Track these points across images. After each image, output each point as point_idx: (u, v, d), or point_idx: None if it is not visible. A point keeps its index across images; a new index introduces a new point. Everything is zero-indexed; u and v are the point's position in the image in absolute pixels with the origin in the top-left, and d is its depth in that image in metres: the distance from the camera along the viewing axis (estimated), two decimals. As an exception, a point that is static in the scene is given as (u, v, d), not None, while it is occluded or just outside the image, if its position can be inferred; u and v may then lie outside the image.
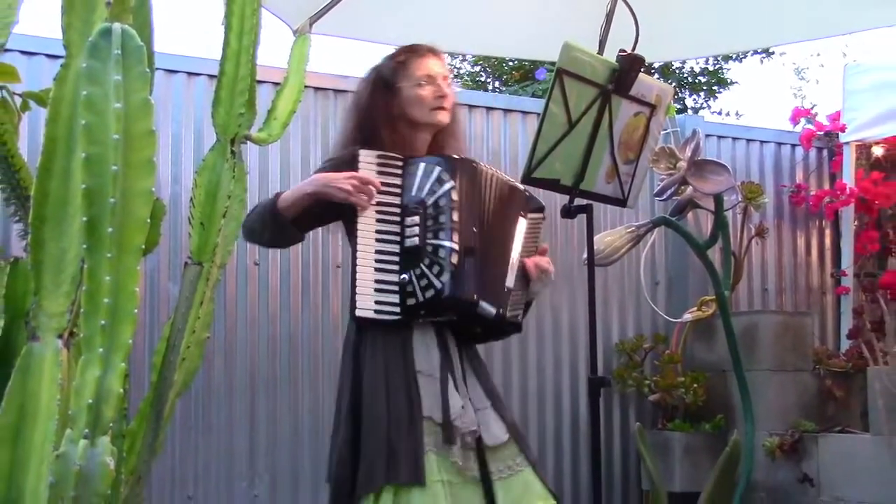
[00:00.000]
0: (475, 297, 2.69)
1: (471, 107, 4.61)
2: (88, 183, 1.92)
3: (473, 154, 3.04)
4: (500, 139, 4.65)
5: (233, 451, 3.93)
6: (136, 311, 1.94)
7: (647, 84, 2.97)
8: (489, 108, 4.68)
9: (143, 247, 1.98)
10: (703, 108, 11.70)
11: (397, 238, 2.70)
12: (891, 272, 4.93)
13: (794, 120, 5.30)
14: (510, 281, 2.82)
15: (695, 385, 4.51)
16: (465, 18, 4.11)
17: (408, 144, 2.84)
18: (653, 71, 8.86)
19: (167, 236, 3.76)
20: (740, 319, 4.54)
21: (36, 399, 2.04)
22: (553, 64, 2.84)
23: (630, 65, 2.87)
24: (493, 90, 10.04)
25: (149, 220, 1.98)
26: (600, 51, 3.62)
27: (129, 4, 2.23)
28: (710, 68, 11.64)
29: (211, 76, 3.61)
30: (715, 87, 11.76)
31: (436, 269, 2.65)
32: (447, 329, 2.76)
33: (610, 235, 4.18)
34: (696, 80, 11.61)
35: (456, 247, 2.66)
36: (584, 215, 2.89)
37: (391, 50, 2.91)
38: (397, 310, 2.66)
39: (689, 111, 10.96)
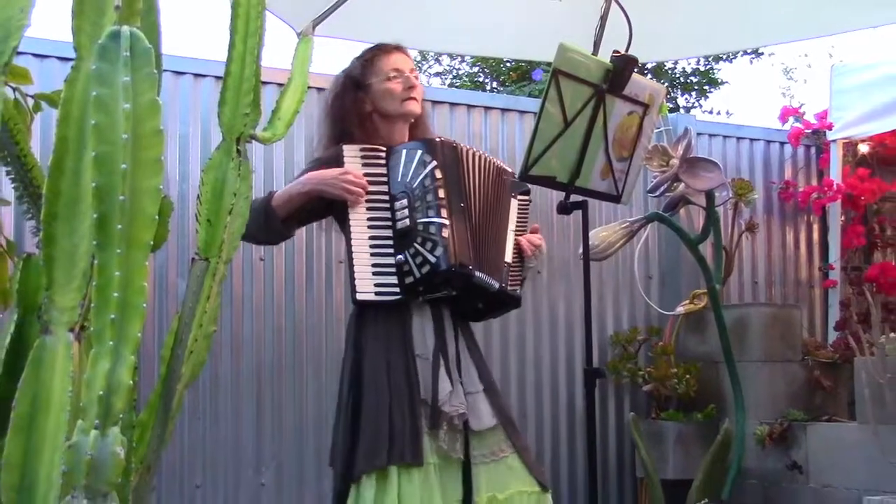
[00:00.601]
0: (470, 267, 2.70)
1: (469, 106, 4.61)
2: (98, 181, 1.92)
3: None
4: (498, 138, 4.65)
5: (239, 441, 3.93)
6: (144, 305, 1.94)
7: (640, 84, 2.97)
8: (487, 108, 4.68)
9: (152, 243, 1.98)
10: (695, 107, 11.71)
11: (389, 223, 2.71)
12: (876, 266, 4.94)
13: (783, 118, 5.30)
14: (508, 256, 2.85)
15: (687, 376, 4.51)
16: (464, 21, 4.11)
17: (383, 140, 2.85)
18: (646, 71, 8.85)
19: (176, 233, 3.77)
20: (731, 312, 4.54)
21: (48, 390, 2.03)
22: (549, 64, 2.84)
23: (624, 65, 2.87)
24: (492, 90, 10.04)
25: (157, 217, 1.97)
26: (595, 52, 3.63)
27: (137, 8, 2.22)
28: (702, 69, 11.64)
29: (217, 77, 3.61)
30: (706, 87, 11.76)
31: (429, 245, 2.65)
32: (446, 311, 2.76)
33: (605, 231, 4.18)
34: (688, 80, 11.61)
35: (446, 221, 2.67)
36: (580, 211, 2.89)
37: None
38: (397, 289, 2.67)
39: (681, 110, 10.96)
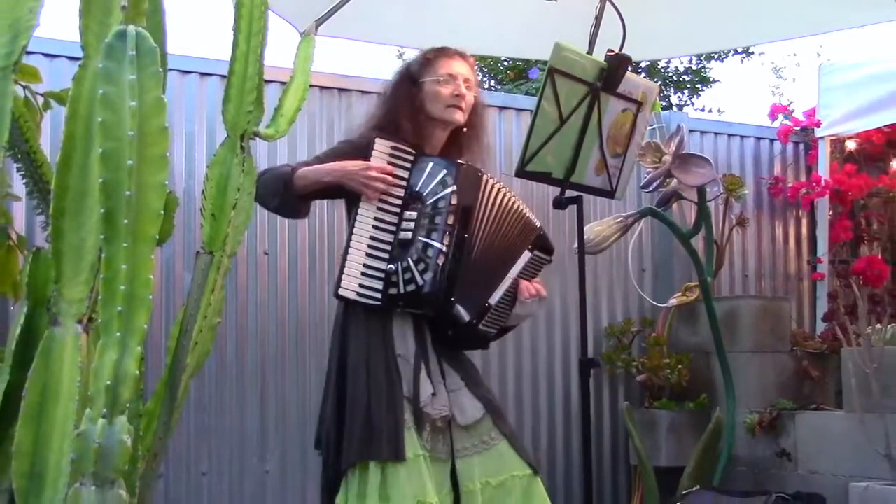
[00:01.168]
0: (452, 299, 2.68)
1: (468, 104, 4.59)
2: (105, 177, 1.92)
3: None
4: (495, 135, 4.63)
5: (244, 430, 3.93)
6: (150, 297, 1.94)
7: (633, 82, 2.97)
8: (485, 106, 4.66)
9: (157, 237, 1.98)
10: (687, 104, 11.70)
11: (393, 228, 2.69)
12: (863, 259, 4.93)
13: (773, 116, 5.29)
14: (494, 299, 2.80)
15: (679, 366, 4.50)
16: (463, 20, 4.10)
17: (425, 138, 2.83)
18: (639, 70, 8.84)
19: (182, 227, 3.76)
20: (722, 304, 4.53)
21: (57, 381, 2.04)
22: (545, 63, 2.83)
23: (618, 64, 2.87)
24: (490, 88, 10.02)
25: (162, 212, 1.97)
26: (590, 50, 3.62)
27: (143, 8, 2.22)
28: (694, 67, 11.62)
29: (222, 76, 3.60)
30: (698, 86, 11.75)
31: (421, 266, 2.64)
32: (424, 321, 2.75)
33: (599, 225, 4.18)
34: (681, 79, 11.60)
35: (444, 249, 2.65)
36: (575, 206, 2.89)
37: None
38: (378, 296, 2.66)
39: (674, 108, 10.95)
